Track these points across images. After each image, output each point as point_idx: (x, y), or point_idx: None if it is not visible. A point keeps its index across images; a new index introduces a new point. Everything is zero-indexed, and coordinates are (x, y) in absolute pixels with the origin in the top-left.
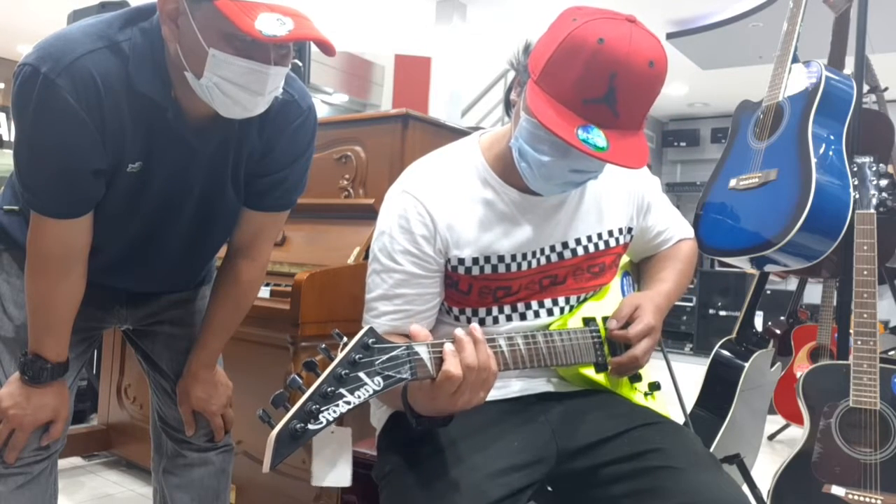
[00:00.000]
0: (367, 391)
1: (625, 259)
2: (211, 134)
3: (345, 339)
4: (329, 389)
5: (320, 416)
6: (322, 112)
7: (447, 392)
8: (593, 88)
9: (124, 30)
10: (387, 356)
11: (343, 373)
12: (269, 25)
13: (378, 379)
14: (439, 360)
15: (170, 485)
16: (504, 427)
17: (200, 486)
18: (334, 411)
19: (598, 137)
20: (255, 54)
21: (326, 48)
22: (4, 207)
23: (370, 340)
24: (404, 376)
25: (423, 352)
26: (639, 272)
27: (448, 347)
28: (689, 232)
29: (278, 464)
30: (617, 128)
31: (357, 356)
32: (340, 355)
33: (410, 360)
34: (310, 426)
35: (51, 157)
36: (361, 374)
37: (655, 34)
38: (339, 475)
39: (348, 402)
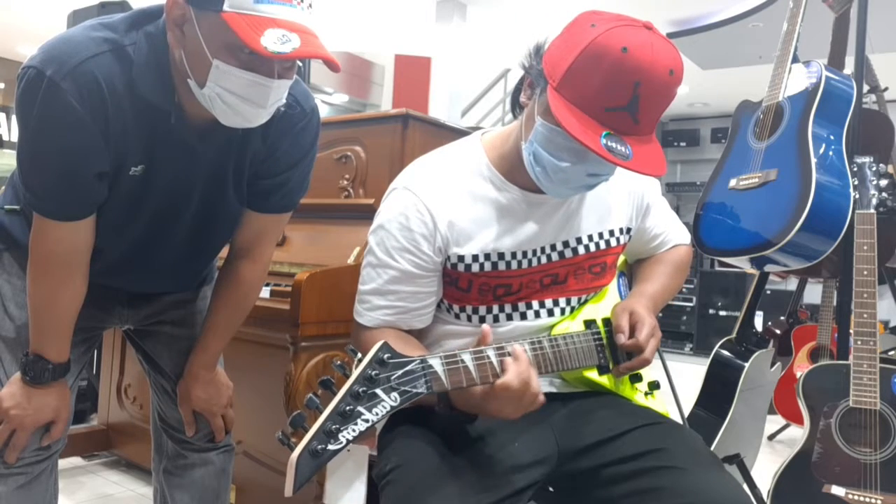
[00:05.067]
0: (385, 407)
1: (619, 259)
2: (214, 138)
3: (359, 355)
4: (347, 408)
5: (340, 435)
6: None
7: (500, 398)
8: (617, 97)
9: (129, 33)
10: (402, 371)
11: (360, 390)
12: (276, 42)
13: (395, 395)
14: (453, 373)
15: (170, 485)
16: (506, 427)
17: (201, 486)
18: (354, 430)
19: (621, 145)
20: (259, 68)
21: (331, 66)
22: (5, 207)
23: (385, 355)
24: (420, 390)
25: (437, 365)
26: (631, 273)
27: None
28: (686, 238)
29: (301, 486)
30: (635, 134)
31: (373, 372)
32: (356, 372)
33: (425, 374)
34: (330, 446)
35: (54, 159)
36: (378, 391)
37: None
38: (354, 496)
39: (367, 420)
